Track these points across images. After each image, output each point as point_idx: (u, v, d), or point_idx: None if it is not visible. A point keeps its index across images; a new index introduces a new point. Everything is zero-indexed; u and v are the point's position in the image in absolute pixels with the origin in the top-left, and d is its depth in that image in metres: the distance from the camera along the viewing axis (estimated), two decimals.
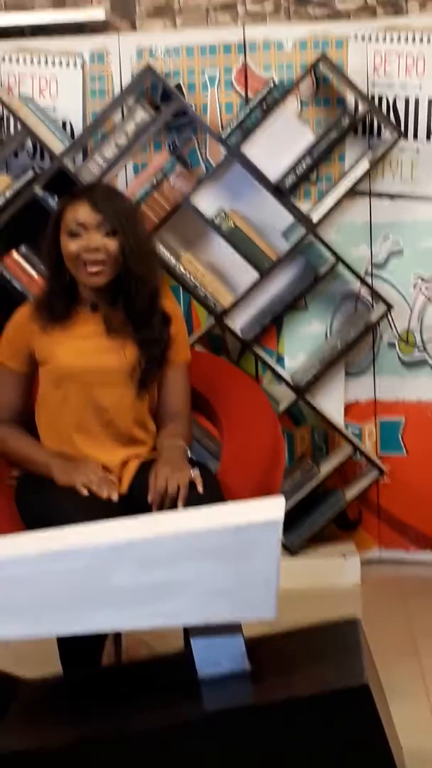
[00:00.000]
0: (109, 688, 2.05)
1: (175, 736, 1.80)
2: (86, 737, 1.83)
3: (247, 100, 3.54)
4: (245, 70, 3.55)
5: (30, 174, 3.42)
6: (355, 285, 3.58)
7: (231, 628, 1.94)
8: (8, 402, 2.66)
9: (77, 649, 2.35)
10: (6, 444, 2.63)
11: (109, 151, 3.41)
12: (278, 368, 3.58)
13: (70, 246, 2.55)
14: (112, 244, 2.54)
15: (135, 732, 1.81)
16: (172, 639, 2.49)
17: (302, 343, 3.65)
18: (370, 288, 3.53)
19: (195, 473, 2.44)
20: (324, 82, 3.54)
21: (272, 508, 1.99)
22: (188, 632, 2.04)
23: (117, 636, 2.73)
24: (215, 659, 1.94)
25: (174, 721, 1.80)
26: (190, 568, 1.86)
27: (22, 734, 1.88)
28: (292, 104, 3.53)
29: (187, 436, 2.64)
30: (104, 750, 1.81)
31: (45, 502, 2.46)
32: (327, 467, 3.58)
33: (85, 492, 2.44)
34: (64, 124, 3.56)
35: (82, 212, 2.55)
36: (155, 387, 2.65)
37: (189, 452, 2.60)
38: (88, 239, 2.54)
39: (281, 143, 3.48)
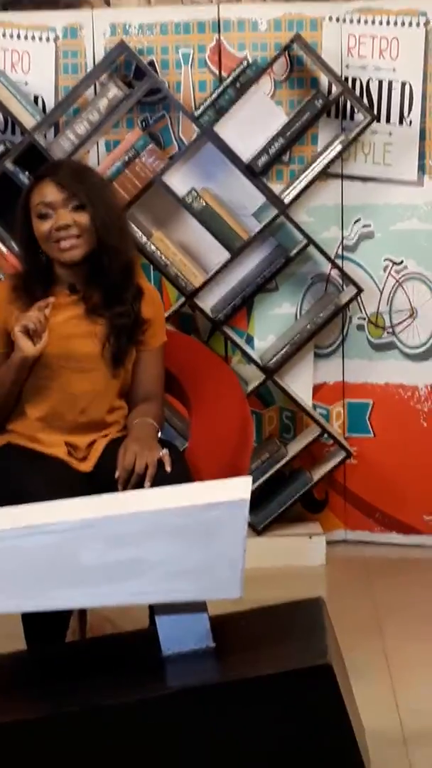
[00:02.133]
0: (74, 665, 2.06)
1: (139, 713, 1.81)
2: (51, 712, 1.83)
3: (220, 79, 3.52)
4: (219, 48, 3.53)
5: (0, 148, 3.39)
6: (326, 267, 3.58)
7: (196, 606, 1.95)
8: None
9: (42, 626, 2.35)
10: None
11: (81, 127, 3.38)
12: (248, 349, 3.59)
13: (42, 227, 2.54)
14: (82, 217, 2.53)
15: (100, 708, 1.82)
16: (136, 616, 2.50)
17: (272, 324, 3.65)
18: (341, 270, 3.54)
19: (164, 452, 2.44)
20: (298, 63, 3.53)
21: (239, 488, 2.00)
22: (153, 610, 2.05)
23: (82, 613, 2.74)
24: (180, 637, 1.95)
25: (138, 697, 1.81)
26: (156, 547, 1.86)
27: None
28: (265, 84, 3.52)
29: (158, 417, 2.64)
30: (69, 725, 1.82)
31: (11, 479, 2.46)
32: (295, 448, 3.60)
33: (21, 338, 2.43)
34: (35, 99, 3.53)
35: (48, 192, 2.54)
36: (128, 368, 2.64)
37: (160, 432, 2.60)
38: (57, 217, 2.52)
39: (254, 123, 3.47)
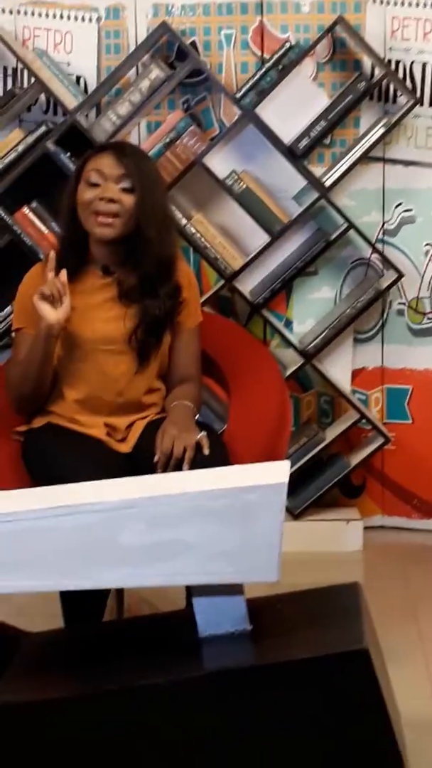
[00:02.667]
0: (112, 644, 2.06)
1: (174, 693, 1.82)
2: (88, 691, 1.84)
3: (263, 60, 3.50)
4: (262, 30, 3.51)
5: (43, 129, 3.40)
6: (366, 251, 3.56)
7: (233, 589, 1.95)
8: None
9: (80, 605, 2.37)
10: (15, 369, 2.59)
11: (123, 108, 3.38)
12: (286, 333, 3.58)
13: (86, 194, 2.53)
14: (127, 199, 2.52)
15: (136, 687, 1.83)
16: (173, 597, 2.50)
17: (311, 308, 3.64)
18: (381, 255, 3.52)
19: (201, 435, 2.44)
20: (341, 45, 3.50)
21: (277, 472, 1.99)
22: (190, 591, 2.06)
23: (119, 593, 2.75)
24: (216, 619, 1.95)
25: (174, 678, 1.81)
26: (194, 529, 1.86)
27: (24, 687, 1.90)
28: (308, 66, 3.50)
29: (196, 399, 2.64)
30: (106, 704, 1.83)
31: (51, 459, 2.47)
32: (332, 433, 3.58)
33: (41, 305, 2.44)
34: (78, 80, 3.53)
35: (106, 162, 2.54)
36: (165, 349, 2.64)
37: (197, 415, 2.60)
38: (104, 189, 2.52)
39: (296, 105, 3.45)
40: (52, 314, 2.46)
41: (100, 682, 1.85)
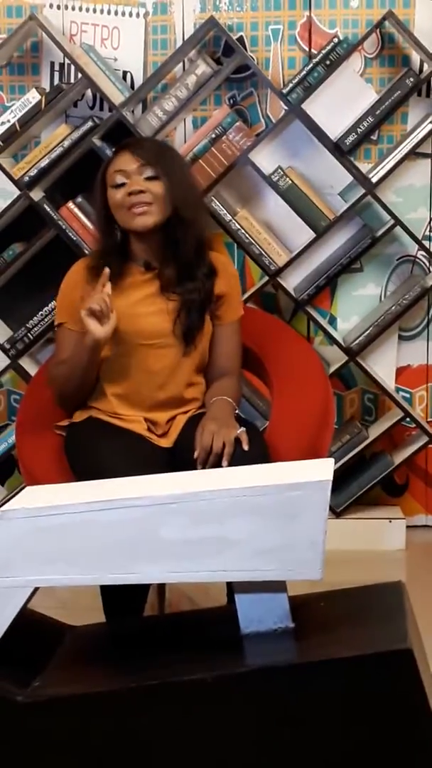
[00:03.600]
0: (154, 639, 2.06)
1: (217, 689, 1.81)
2: (128, 685, 1.84)
3: (310, 56, 3.49)
4: (310, 25, 3.49)
5: (89, 124, 3.40)
6: (412, 248, 3.53)
7: (276, 586, 1.94)
8: None
9: (121, 599, 2.37)
10: (59, 368, 2.61)
11: (169, 103, 3.38)
12: (330, 329, 3.56)
13: (116, 195, 2.55)
14: (155, 186, 2.54)
15: (177, 683, 1.82)
16: (214, 594, 2.50)
17: (356, 305, 3.62)
18: (428, 252, 3.49)
19: (241, 431, 2.43)
20: (389, 41, 3.48)
21: (321, 469, 1.98)
22: (232, 588, 2.05)
23: (161, 588, 2.75)
24: (259, 616, 1.94)
25: (216, 673, 1.81)
26: (238, 525, 1.86)
27: (67, 680, 1.90)
28: (356, 62, 3.48)
29: (236, 394, 2.63)
30: (146, 698, 1.83)
31: (92, 453, 2.48)
32: (376, 431, 3.56)
33: (89, 321, 2.44)
34: (124, 75, 3.54)
35: (124, 160, 2.57)
36: (206, 343, 2.64)
37: (237, 410, 2.59)
38: (130, 184, 2.54)
39: (343, 101, 3.44)
40: (99, 330, 2.47)
41: (142, 677, 1.85)
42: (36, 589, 1.96)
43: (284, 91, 3.40)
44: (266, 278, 3.47)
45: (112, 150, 3.32)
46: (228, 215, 3.40)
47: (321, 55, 3.38)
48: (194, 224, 2.57)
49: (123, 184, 2.55)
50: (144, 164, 2.55)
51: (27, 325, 3.49)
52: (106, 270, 2.50)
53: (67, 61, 3.47)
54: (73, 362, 2.56)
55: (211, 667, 1.83)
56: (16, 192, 3.45)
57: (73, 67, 3.46)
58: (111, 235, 2.63)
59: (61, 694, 1.86)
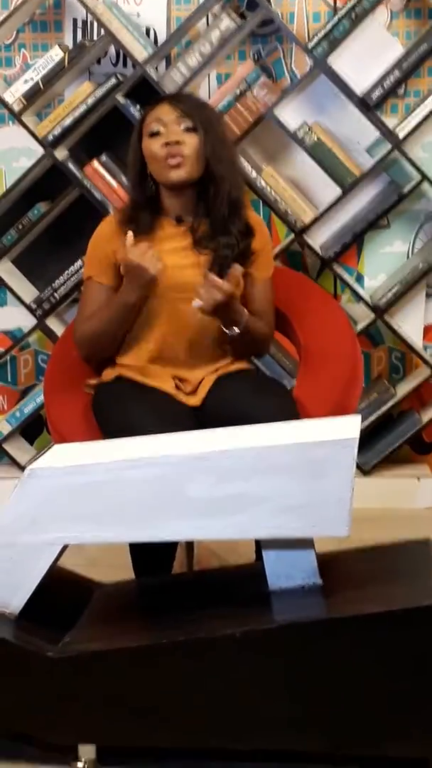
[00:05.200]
0: (182, 596, 2.08)
1: (246, 645, 1.82)
2: (158, 641, 1.86)
3: (335, 9, 3.44)
4: None
5: (113, 81, 3.38)
6: None
7: (303, 543, 1.95)
8: None
9: (150, 557, 2.38)
10: (92, 324, 2.59)
11: (193, 59, 3.34)
12: (357, 287, 3.54)
13: (152, 145, 2.54)
14: (192, 138, 2.53)
15: (206, 639, 1.84)
16: (242, 551, 2.51)
17: (383, 262, 3.59)
18: None
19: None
20: None
21: (348, 427, 1.98)
22: (260, 545, 2.06)
23: (189, 545, 2.76)
24: (287, 572, 1.95)
25: (246, 629, 1.82)
26: (265, 482, 1.86)
27: (97, 636, 1.92)
28: (381, 15, 3.43)
29: (261, 331, 2.61)
30: (175, 654, 1.84)
31: (121, 412, 2.48)
32: (404, 389, 3.55)
33: (148, 258, 2.45)
34: (147, 31, 3.50)
35: (163, 110, 2.56)
36: (238, 297, 2.62)
37: (246, 327, 2.54)
38: (168, 133, 2.52)
39: (369, 55, 3.39)
40: (154, 264, 2.46)
41: (171, 633, 1.87)
42: (65, 547, 1.97)
43: (309, 45, 3.35)
44: (292, 236, 3.45)
45: (138, 108, 3.32)
46: (253, 172, 3.37)
47: (346, 8, 3.33)
48: (226, 180, 2.56)
49: (159, 134, 2.54)
50: (182, 115, 2.54)
51: (53, 285, 3.48)
52: (130, 234, 2.48)
53: (89, 17, 3.44)
54: (109, 316, 2.55)
55: (239, 623, 1.84)
56: (41, 151, 3.43)
57: (95, 24, 3.43)
58: (144, 188, 2.61)
59: (91, 649, 1.88)
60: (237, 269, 2.47)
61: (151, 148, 2.54)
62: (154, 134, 2.54)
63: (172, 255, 2.57)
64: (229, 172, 2.58)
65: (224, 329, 2.53)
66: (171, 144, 2.52)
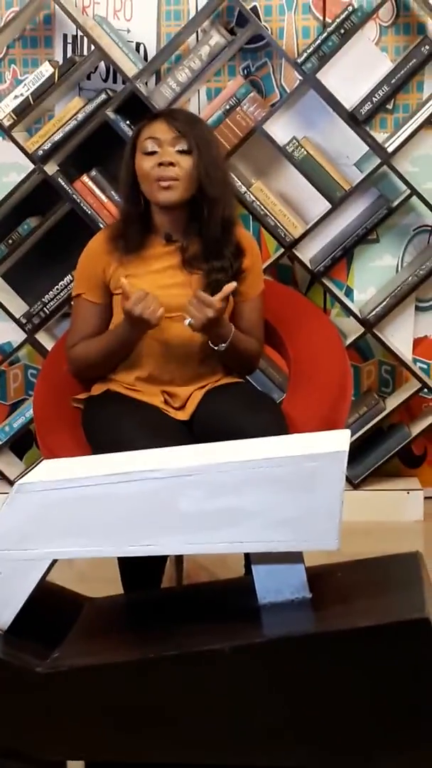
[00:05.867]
0: (172, 610, 2.07)
1: (235, 660, 1.82)
2: (147, 656, 1.85)
3: (324, 25, 3.46)
4: None
5: (102, 97, 3.39)
6: (429, 218, 3.51)
7: (293, 557, 1.94)
8: (91, 333, 2.63)
9: (139, 571, 2.38)
10: (87, 351, 2.60)
11: (183, 74, 3.36)
12: (347, 301, 3.55)
13: (145, 163, 2.53)
14: (186, 161, 2.52)
15: (196, 653, 1.83)
16: (232, 565, 2.51)
17: (372, 276, 3.60)
18: None
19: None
20: (405, 9, 3.45)
21: (338, 440, 1.98)
22: (249, 559, 2.05)
23: (179, 559, 2.76)
24: (276, 587, 1.94)
25: (235, 644, 1.81)
26: (254, 496, 1.86)
27: (86, 651, 1.91)
28: (370, 30, 3.45)
29: (251, 348, 2.62)
30: (164, 669, 1.84)
31: (109, 427, 2.48)
32: (393, 402, 3.56)
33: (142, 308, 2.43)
34: (137, 47, 3.52)
35: (159, 129, 2.54)
36: (227, 316, 2.62)
37: (232, 343, 2.55)
38: (162, 154, 2.51)
39: (358, 70, 3.41)
40: (155, 316, 2.44)
41: (160, 648, 1.86)
42: (54, 562, 1.97)
43: (299, 60, 3.37)
44: (282, 250, 3.46)
45: (128, 123, 3.33)
46: (243, 187, 3.39)
47: (335, 23, 3.35)
48: (220, 202, 2.55)
49: (154, 153, 2.53)
50: (179, 136, 2.52)
51: (43, 299, 3.49)
52: (125, 281, 2.46)
53: (79, 33, 3.46)
54: (106, 348, 2.56)
55: (228, 637, 1.84)
56: (31, 166, 3.44)
57: (86, 40, 3.44)
58: (135, 203, 2.60)
59: (80, 665, 1.87)
60: (228, 286, 2.47)
61: (144, 167, 2.53)
62: (148, 153, 2.53)
63: (161, 275, 2.57)
64: (222, 193, 2.57)
65: (212, 345, 2.53)
66: (164, 165, 2.51)
